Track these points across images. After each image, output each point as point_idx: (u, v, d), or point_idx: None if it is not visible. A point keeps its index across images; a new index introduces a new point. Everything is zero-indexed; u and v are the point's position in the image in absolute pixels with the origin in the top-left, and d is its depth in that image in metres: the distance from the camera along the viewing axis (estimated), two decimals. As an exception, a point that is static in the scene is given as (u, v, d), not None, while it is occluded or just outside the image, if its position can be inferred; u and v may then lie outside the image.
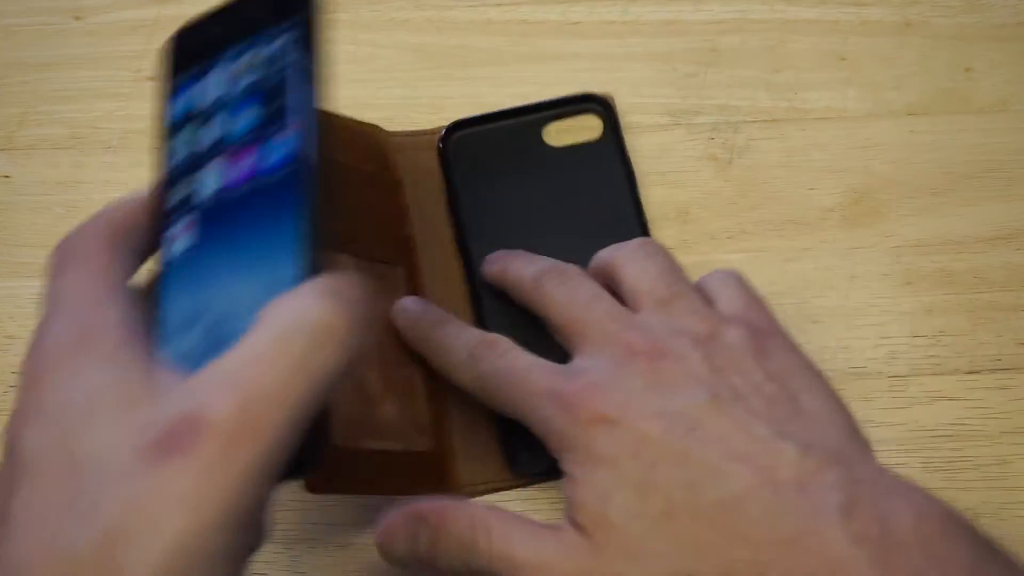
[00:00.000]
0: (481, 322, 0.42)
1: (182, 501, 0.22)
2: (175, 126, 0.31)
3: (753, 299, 0.38)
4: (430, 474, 0.39)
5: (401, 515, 0.33)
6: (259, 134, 0.29)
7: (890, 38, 0.50)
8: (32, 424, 0.25)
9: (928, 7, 0.50)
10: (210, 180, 0.29)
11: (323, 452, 0.26)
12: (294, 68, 0.30)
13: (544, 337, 0.39)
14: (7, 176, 0.48)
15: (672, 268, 0.38)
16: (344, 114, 0.43)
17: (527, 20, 0.51)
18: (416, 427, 0.39)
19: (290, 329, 0.24)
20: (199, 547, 0.22)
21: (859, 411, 0.41)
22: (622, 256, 0.39)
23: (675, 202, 0.46)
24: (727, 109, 0.48)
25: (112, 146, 0.48)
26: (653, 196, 0.46)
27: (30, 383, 0.27)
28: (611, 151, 0.46)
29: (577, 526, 0.32)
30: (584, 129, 0.46)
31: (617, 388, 0.32)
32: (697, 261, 0.45)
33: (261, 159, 0.28)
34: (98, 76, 0.50)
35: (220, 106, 0.30)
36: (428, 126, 0.47)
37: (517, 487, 0.40)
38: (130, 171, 0.48)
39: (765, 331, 0.36)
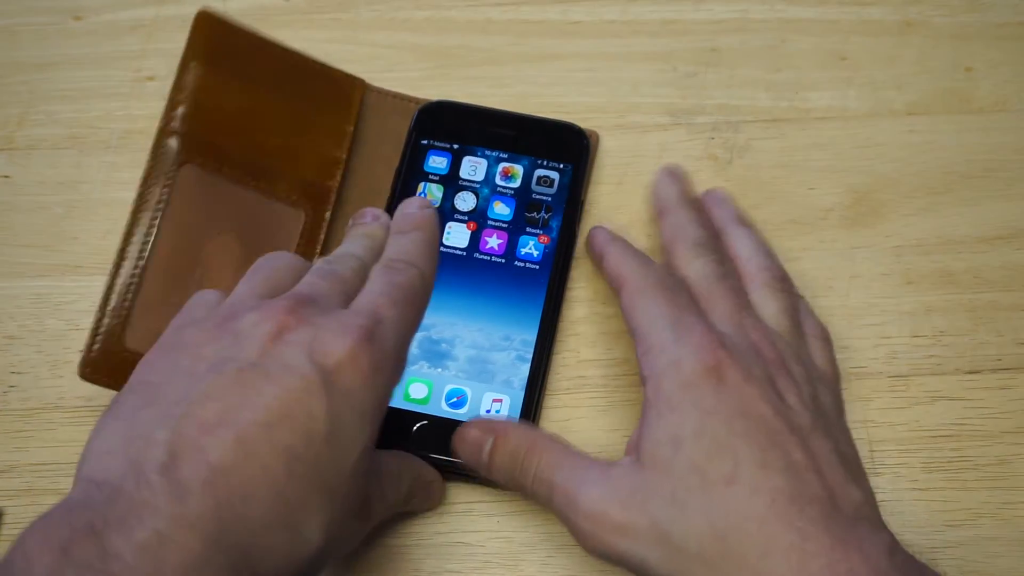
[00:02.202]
0: None
1: None
2: (423, 175, 0.44)
3: (835, 363, 0.40)
4: None
5: (477, 424, 0.38)
6: (512, 226, 0.43)
7: (890, 38, 0.50)
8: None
9: (928, 7, 0.50)
10: (456, 236, 0.43)
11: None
12: (561, 199, 0.44)
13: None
14: (7, 176, 0.48)
15: (795, 308, 0.40)
16: (328, 66, 0.45)
17: (527, 20, 0.51)
18: None
19: None
20: None
21: (859, 411, 0.42)
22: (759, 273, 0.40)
23: (675, 202, 0.46)
24: (727, 109, 0.48)
25: (112, 146, 0.48)
26: (653, 196, 0.46)
27: None
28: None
29: (638, 458, 0.34)
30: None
31: (742, 359, 0.35)
32: (697, 261, 0.45)
33: (517, 246, 0.43)
34: (98, 76, 0.50)
35: (479, 185, 0.44)
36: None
37: None
38: (130, 171, 0.48)
39: (839, 396, 0.39)
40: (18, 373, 0.43)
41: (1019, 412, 0.41)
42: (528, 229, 0.43)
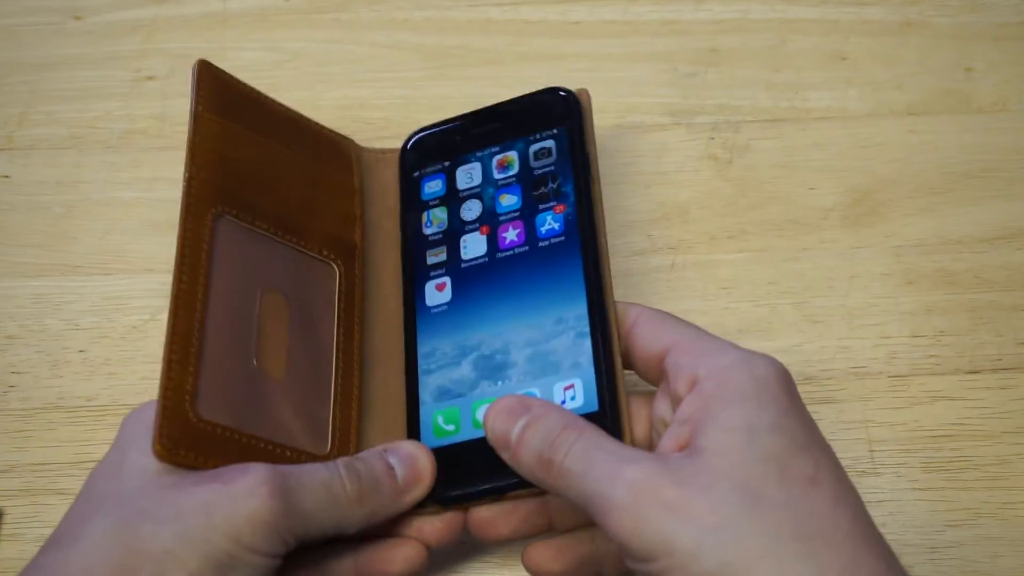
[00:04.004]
0: (413, 338, 0.40)
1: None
2: (424, 205, 0.42)
3: None
4: None
5: (516, 398, 0.34)
6: (525, 211, 0.40)
7: (890, 38, 0.50)
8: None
9: (928, 7, 0.50)
10: (473, 247, 0.40)
11: None
12: (564, 163, 0.40)
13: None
14: (7, 176, 0.48)
15: None
16: (320, 124, 0.43)
17: (527, 20, 0.51)
18: (311, 427, 0.37)
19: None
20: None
21: (859, 411, 0.42)
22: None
23: (675, 202, 0.46)
24: (727, 109, 0.48)
25: (112, 146, 0.48)
26: (653, 196, 0.46)
27: None
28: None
29: (694, 450, 0.30)
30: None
31: None
32: (697, 261, 0.45)
33: (536, 228, 0.40)
34: (98, 76, 0.50)
35: (480, 188, 0.41)
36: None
37: (426, 514, 0.36)
38: (130, 171, 0.48)
39: None
40: (18, 373, 0.43)
41: (1019, 412, 0.41)
42: (541, 207, 0.40)
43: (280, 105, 0.42)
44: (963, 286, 0.44)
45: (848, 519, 0.29)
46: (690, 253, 0.45)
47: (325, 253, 0.41)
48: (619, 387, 0.36)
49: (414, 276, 0.41)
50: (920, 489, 0.40)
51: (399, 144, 0.44)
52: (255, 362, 0.36)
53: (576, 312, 0.37)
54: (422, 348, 0.39)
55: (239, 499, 0.30)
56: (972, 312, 0.43)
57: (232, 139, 0.39)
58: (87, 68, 0.50)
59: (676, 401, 0.33)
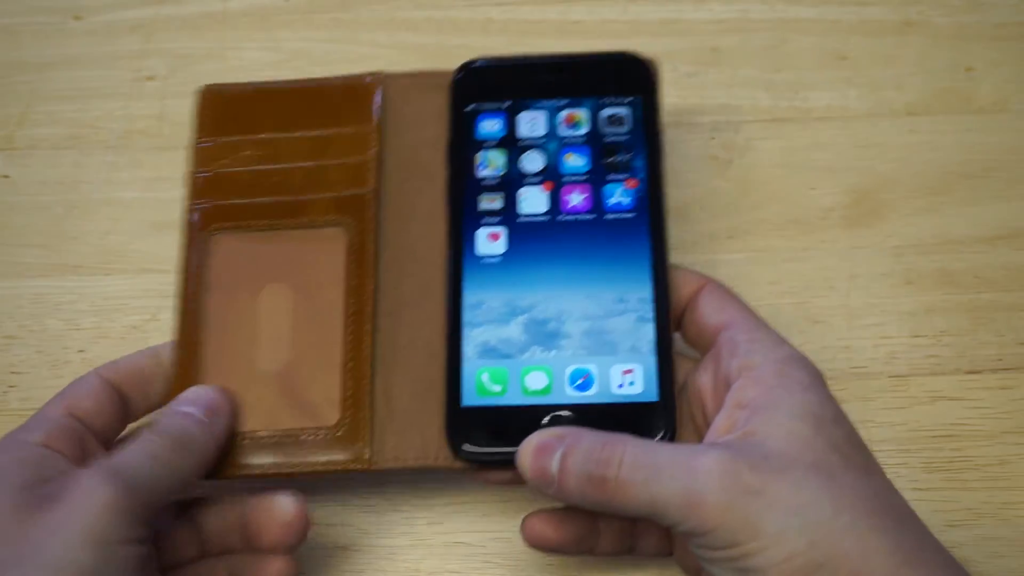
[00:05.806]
0: (458, 287, 0.38)
1: None
2: (478, 144, 0.40)
3: None
4: (340, 449, 0.37)
5: (545, 433, 0.33)
6: (593, 177, 0.39)
7: (890, 37, 0.50)
8: None
9: (928, 6, 0.50)
10: (533, 201, 0.39)
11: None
12: (638, 136, 0.39)
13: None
14: (7, 176, 0.48)
15: None
16: (335, 77, 0.42)
17: (527, 20, 0.51)
18: (319, 399, 0.37)
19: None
20: None
21: (859, 411, 0.42)
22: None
23: (675, 202, 0.46)
24: (727, 109, 0.48)
25: (112, 146, 0.48)
26: (653, 196, 0.46)
27: None
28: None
29: (755, 435, 0.31)
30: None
31: None
32: (697, 261, 0.45)
33: (603, 198, 0.38)
34: (98, 76, 0.50)
35: (543, 140, 0.40)
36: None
37: (452, 469, 0.36)
38: (130, 171, 0.48)
39: None
40: (18, 373, 0.43)
41: (1019, 412, 0.41)
42: (611, 176, 0.39)
43: (284, 89, 0.43)
44: (963, 286, 0.44)
45: (903, 501, 0.31)
46: (690, 253, 0.45)
47: (330, 217, 0.40)
48: (675, 380, 0.36)
49: (462, 218, 0.39)
50: (920, 489, 0.40)
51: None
52: (257, 364, 0.38)
53: (640, 295, 0.37)
54: (468, 298, 0.37)
55: (84, 502, 0.30)
56: (972, 312, 0.43)
57: (229, 153, 0.41)
58: (87, 68, 0.50)
59: (724, 376, 0.34)
